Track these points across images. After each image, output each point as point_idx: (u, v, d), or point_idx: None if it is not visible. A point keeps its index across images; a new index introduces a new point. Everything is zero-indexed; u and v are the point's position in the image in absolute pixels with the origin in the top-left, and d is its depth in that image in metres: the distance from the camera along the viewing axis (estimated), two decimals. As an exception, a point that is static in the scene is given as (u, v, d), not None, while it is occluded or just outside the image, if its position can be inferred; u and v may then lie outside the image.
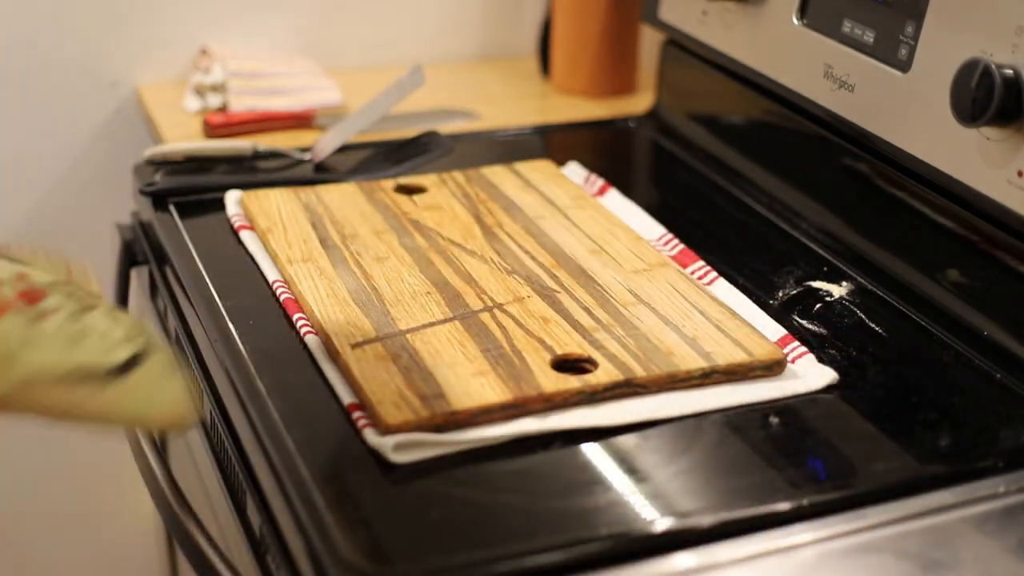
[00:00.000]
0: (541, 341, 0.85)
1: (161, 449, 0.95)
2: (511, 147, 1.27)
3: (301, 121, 1.30)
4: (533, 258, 0.97)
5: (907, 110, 0.94)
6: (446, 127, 1.27)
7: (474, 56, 1.56)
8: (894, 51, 0.95)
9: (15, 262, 0.76)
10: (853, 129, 1.00)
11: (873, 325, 0.92)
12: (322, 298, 0.89)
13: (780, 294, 0.96)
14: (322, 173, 1.15)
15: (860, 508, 0.73)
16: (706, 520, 0.71)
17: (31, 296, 0.75)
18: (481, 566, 0.67)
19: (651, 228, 1.05)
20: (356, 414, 0.77)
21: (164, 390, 0.78)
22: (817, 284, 0.97)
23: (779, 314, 0.92)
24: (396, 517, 0.70)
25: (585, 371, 0.82)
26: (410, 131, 1.21)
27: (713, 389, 0.82)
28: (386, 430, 0.75)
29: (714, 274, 0.97)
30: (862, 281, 0.98)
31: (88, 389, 0.75)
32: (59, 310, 0.76)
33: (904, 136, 0.94)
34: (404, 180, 1.10)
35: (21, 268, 0.76)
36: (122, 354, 0.76)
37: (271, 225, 1.00)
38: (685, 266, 0.98)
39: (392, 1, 1.50)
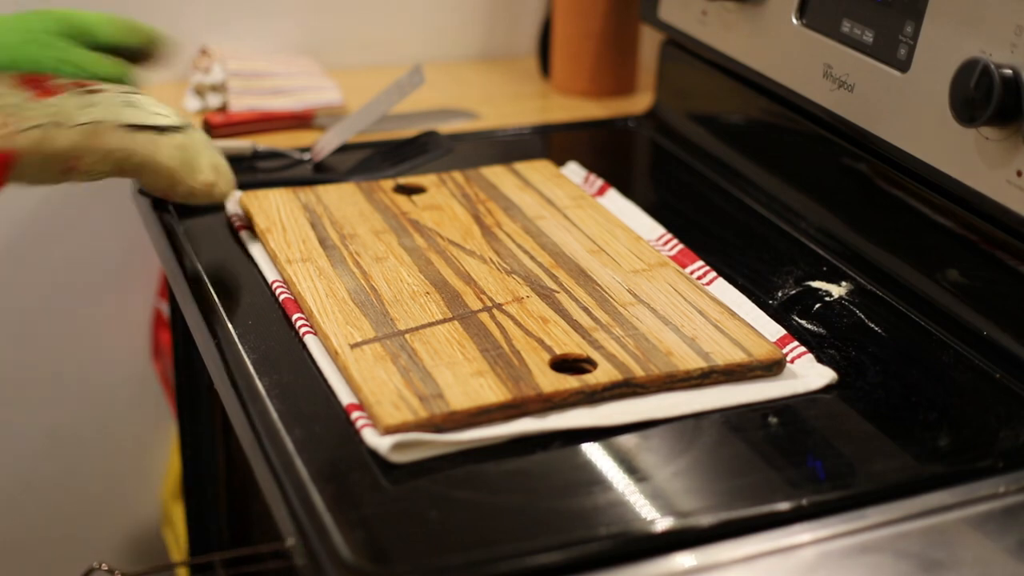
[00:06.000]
0: (540, 341, 0.85)
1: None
2: (511, 147, 1.27)
3: (301, 121, 1.30)
4: (532, 258, 0.97)
5: (906, 110, 0.94)
6: (446, 127, 1.27)
7: (474, 56, 1.56)
8: (893, 51, 0.95)
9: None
10: (852, 129, 1.00)
11: (872, 325, 0.92)
12: (321, 298, 0.89)
13: (779, 294, 0.96)
14: (322, 173, 1.15)
15: (860, 508, 0.72)
16: (706, 520, 0.70)
17: (83, 84, 0.92)
18: (480, 566, 0.67)
19: (650, 228, 1.05)
20: (355, 414, 0.77)
21: (204, 156, 0.97)
22: (816, 284, 0.97)
23: (778, 314, 0.92)
24: (395, 517, 0.70)
25: (584, 371, 0.82)
26: (410, 131, 1.21)
27: (712, 389, 0.82)
28: (385, 430, 0.75)
29: (713, 274, 0.97)
30: (861, 281, 0.98)
31: (145, 136, 0.92)
32: (109, 91, 0.92)
33: (903, 136, 0.94)
34: (403, 180, 1.10)
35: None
36: (168, 120, 0.95)
37: (270, 225, 1.00)
38: (684, 266, 0.98)
39: (392, 1, 1.50)
